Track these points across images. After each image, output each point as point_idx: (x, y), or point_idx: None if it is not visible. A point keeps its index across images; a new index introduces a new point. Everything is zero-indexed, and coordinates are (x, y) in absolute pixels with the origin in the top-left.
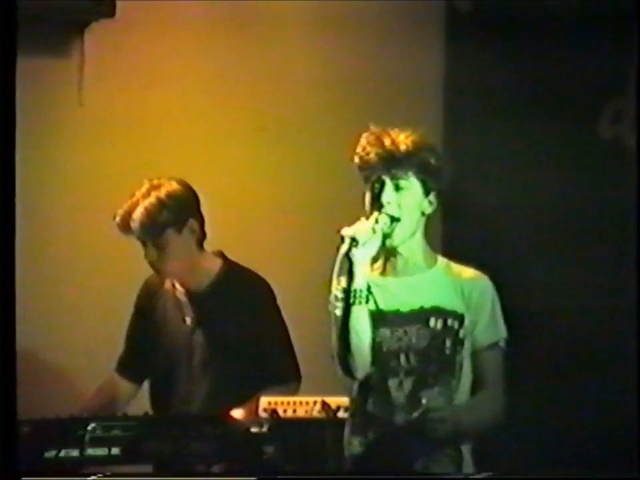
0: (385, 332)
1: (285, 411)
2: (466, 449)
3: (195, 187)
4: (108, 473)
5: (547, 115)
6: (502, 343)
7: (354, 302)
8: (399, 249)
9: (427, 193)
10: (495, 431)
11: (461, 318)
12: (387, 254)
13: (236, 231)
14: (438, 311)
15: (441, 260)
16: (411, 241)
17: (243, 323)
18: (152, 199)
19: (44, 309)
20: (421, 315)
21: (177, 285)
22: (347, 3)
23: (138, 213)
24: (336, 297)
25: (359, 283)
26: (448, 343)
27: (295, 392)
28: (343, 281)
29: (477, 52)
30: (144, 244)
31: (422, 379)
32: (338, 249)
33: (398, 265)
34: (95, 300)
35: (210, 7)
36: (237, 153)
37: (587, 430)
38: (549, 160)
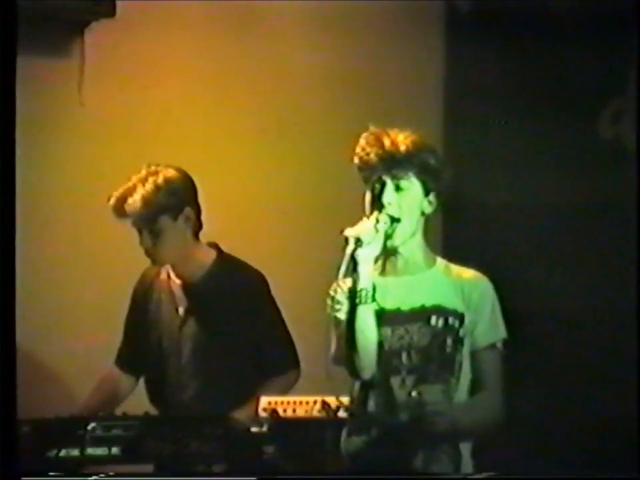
0: (386, 331)
1: (284, 410)
2: (465, 449)
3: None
4: (108, 473)
5: (547, 115)
6: (501, 344)
7: (360, 302)
8: (399, 249)
9: (426, 193)
10: (494, 431)
11: (461, 317)
12: (387, 254)
13: (236, 231)
14: (439, 310)
15: (440, 261)
16: (411, 241)
17: (237, 314)
18: (149, 184)
19: (44, 309)
20: (422, 314)
21: (172, 275)
22: (347, 3)
23: (134, 198)
24: (337, 300)
25: (364, 283)
26: (449, 341)
27: (294, 381)
28: (347, 283)
29: (477, 52)
30: (139, 231)
31: (424, 377)
32: (343, 249)
33: (398, 265)
34: (95, 300)
35: (210, 6)
36: (237, 152)
37: (587, 430)
38: (549, 160)
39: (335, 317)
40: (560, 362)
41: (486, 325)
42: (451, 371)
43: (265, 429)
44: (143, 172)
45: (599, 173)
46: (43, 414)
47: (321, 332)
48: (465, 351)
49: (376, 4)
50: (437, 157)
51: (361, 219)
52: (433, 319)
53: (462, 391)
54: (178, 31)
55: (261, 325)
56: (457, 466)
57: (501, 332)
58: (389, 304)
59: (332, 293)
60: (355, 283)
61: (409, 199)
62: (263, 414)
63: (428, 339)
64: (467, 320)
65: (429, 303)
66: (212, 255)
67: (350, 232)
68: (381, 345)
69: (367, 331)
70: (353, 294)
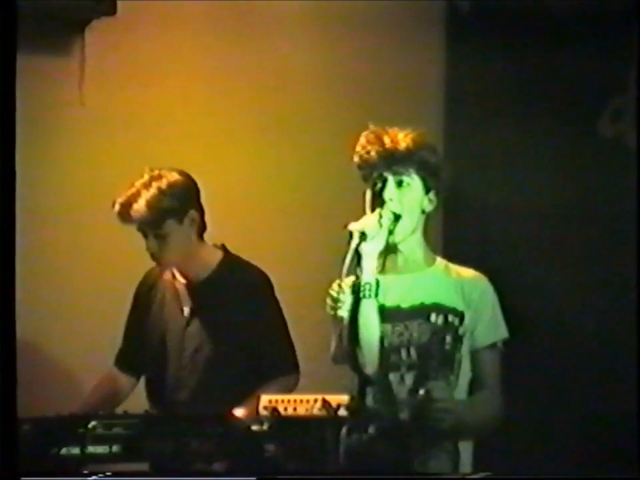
0: (386, 327)
1: (285, 409)
2: (464, 448)
3: None
4: (109, 473)
5: (547, 115)
6: (501, 344)
7: (364, 296)
8: (400, 246)
9: (427, 191)
10: (494, 431)
11: (461, 315)
12: (387, 251)
13: (237, 230)
14: (439, 307)
15: (440, 260)
16: (411, 238)
17: (240, 315)
18: (153, 189)
19: (44, 309)
20: (421, 311)
21: (177, 275)
22: (347, 3)
23: (139, 203)
24: (337, 299)
25: (368, 277)
26: (448, 338)
27: (294, 385)
28: (348, 281)
29: (477, 52)
30: (145, 235)
31: (423, 374)
32: (348, 244)
33: (398, 262)
34: (96, 298)
35: (211, 5)
36: (238, 151)
37: (587, 430)
38: (549, 159)
39: (335, 316)
40: (560, 362)
41: (486, 324)
42: (450, 368)
43: (265, 427)
44: (146, 177)
45: (600, 172)
46: (43, 412)
47: (321, 332)
48: (465, 349)
49: (376, 4)
50: (437, 155)
51: (361, 217)
52: (433, 316)
53: (461, 389)
54: (179, 29)
55: (263, 326)
56: (455, 465)
57: (502, 331)
58: (389, 301)
59: (332, 291)
60: (358, 277)
61: (409, 196)
62: (263, 412)
63: (427, 335)
64: (467, 319)
65: (428, 300)
66: (218, 255)
67: (354, 226)
68: (380, 341)
69: (370, 325)
70: (356, 288)
